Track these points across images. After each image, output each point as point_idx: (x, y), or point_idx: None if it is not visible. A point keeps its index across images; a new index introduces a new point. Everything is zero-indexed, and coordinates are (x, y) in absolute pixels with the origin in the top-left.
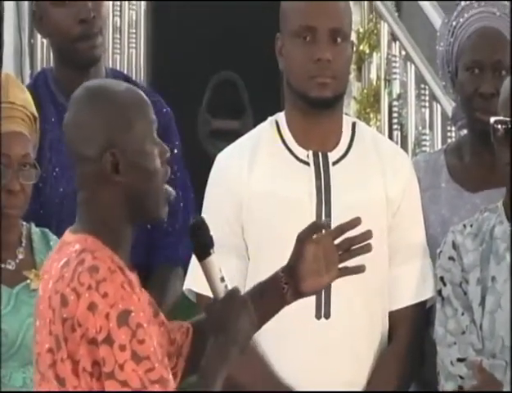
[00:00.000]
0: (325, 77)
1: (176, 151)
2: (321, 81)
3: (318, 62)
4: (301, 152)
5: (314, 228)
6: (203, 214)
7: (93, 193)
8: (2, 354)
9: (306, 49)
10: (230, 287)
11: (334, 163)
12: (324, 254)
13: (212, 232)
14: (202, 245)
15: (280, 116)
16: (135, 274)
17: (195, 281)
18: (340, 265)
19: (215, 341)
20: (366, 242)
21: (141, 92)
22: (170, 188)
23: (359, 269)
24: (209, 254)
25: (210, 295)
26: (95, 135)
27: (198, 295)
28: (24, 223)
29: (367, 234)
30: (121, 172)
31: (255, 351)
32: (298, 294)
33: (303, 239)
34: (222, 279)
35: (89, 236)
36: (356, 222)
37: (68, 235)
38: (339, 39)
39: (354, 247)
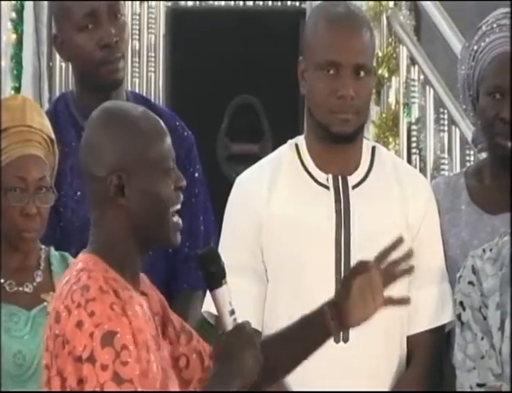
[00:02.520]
0: (347, 113)
1: (197, 174)
2: (344, 117)
3: (341, 98)
4: (321, 176)
5: (361, 269)
6: (222, 237)
7: (101, 214)
8: (19, 376)
9: (329, 83)
10: (239, 321)
11: (354, 187)
12: (369, 284)
13: (231, 255)
14: (212, 275)
15: (300, 139)
16: (147, 298)
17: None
18: (386, 294)
19: (218, 371)
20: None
21: (158, 119)
22: (179, 219)
23: (405, 301)
24: (220, 285)
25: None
26: (105, 156)
27: (217, 318)
28: (43, 246)
29: (400, 241)
30: (126, 195)
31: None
32: (345, 327)
33: (350, 279)
34: (232, 312)
35: (94, 256)
36: (398, 242)
37: (80, 255)
38: (362, 73)
39: (399, 270)
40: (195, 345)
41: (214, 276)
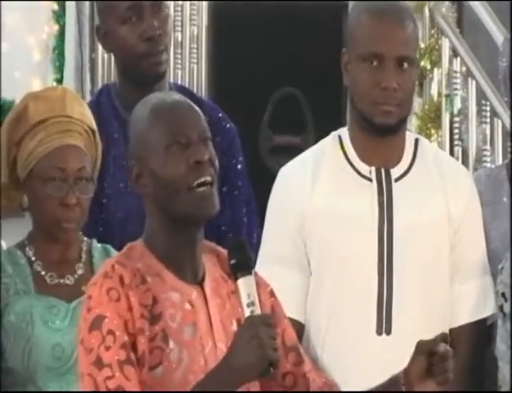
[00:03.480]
0: (390, 105)
1: (239, 166)
2: (386, 109)
3: (384, 90)
4: (364, 168)
5: (440, 340)
6: (265, 229)
7: (144, 202)
8: (58, 369)
9: (372, 74)
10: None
11: (397, 179)
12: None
13: (274, 247)
14: (235, 265)
15: (344, 131)
16: (200, 289)
17: None
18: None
19: (218, 364)
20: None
21: (174, 101)
22: (204, 189)
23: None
24: (242, 275)
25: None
26: (132, 147)
27: None
28: (86, 238)
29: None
30: (143, 183)
31: None
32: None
33: (424, 350)
34: (251, 304)
35: (139, 242)
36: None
37: None
38: (405, 65)
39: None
40: (304, 372)
41: (237, 266)
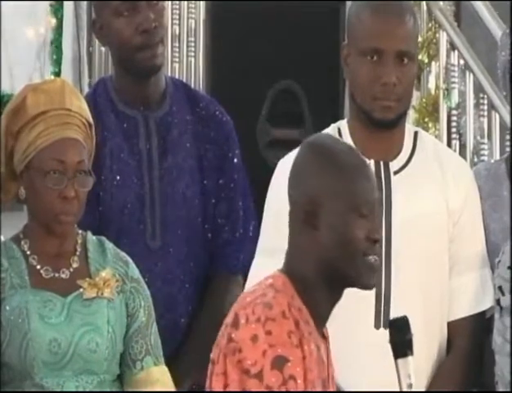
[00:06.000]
0: (389, 100)
1: (236, 160)
2: (386, 104)
3: (384, 85)
4: None
5: None
6: (263, 221)
7: (296, 237)
8: (54, 364)
9: (372, 69)
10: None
11: (396, 172)
12: None
13: (272, 239)
14: (396, 344)
15: (343, 124)
16: (326, 342)
17: None
18: None
19: None
20: None
21: (363, 160)
22: (376, 260)
23: None
24: (403, 355)
25: None
26: (305, 182)
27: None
28: (81, 231)
29: None
30: (318, 227)
31: None
32: None
33: None
34: (409, 386)
35: (285, 277)
36: None
37: (273, 271)
38: (405, 60)
39: None
40: None
41: (398, 346)
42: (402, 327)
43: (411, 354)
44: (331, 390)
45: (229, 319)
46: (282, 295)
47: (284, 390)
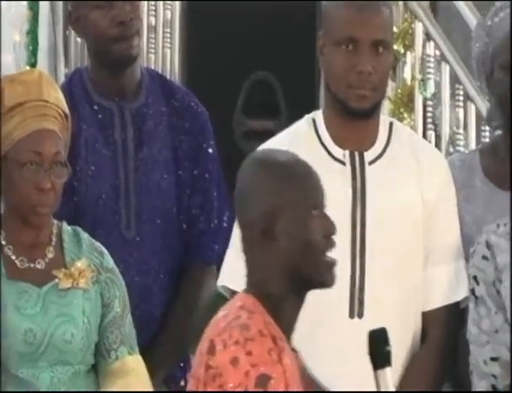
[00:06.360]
0: (365, 89)
1: (211, 150)
2: (361, 93)
3: (359, 74)
4: (337, 151)
5: None
6: None
7: (253, 257)
8: (30, 355)
9: (347, 58)
10: None
11: (371, 163)
12: None
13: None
14: (377, 355)
15: (318, 114)
16: (296, 355)
17: (230, 278)
18: None
19: None
20: None
21: (307, 163)
22: (333, 259)
23: None
24: (381, 367)
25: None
26: (254, 201)
27: (233, 293)
28: (56, 221)
29: None
30: (275, 238)
31: None
32: None
33: None
34: None
35: (252, 297)
36: None
37: (239, 293)
38: (380, 49)
39: None
40: None
41: (377, 358)
42: (381, 339)
43: (390, 365)
44: None
45: (204, 347)
46: (257, 315)
47: None
